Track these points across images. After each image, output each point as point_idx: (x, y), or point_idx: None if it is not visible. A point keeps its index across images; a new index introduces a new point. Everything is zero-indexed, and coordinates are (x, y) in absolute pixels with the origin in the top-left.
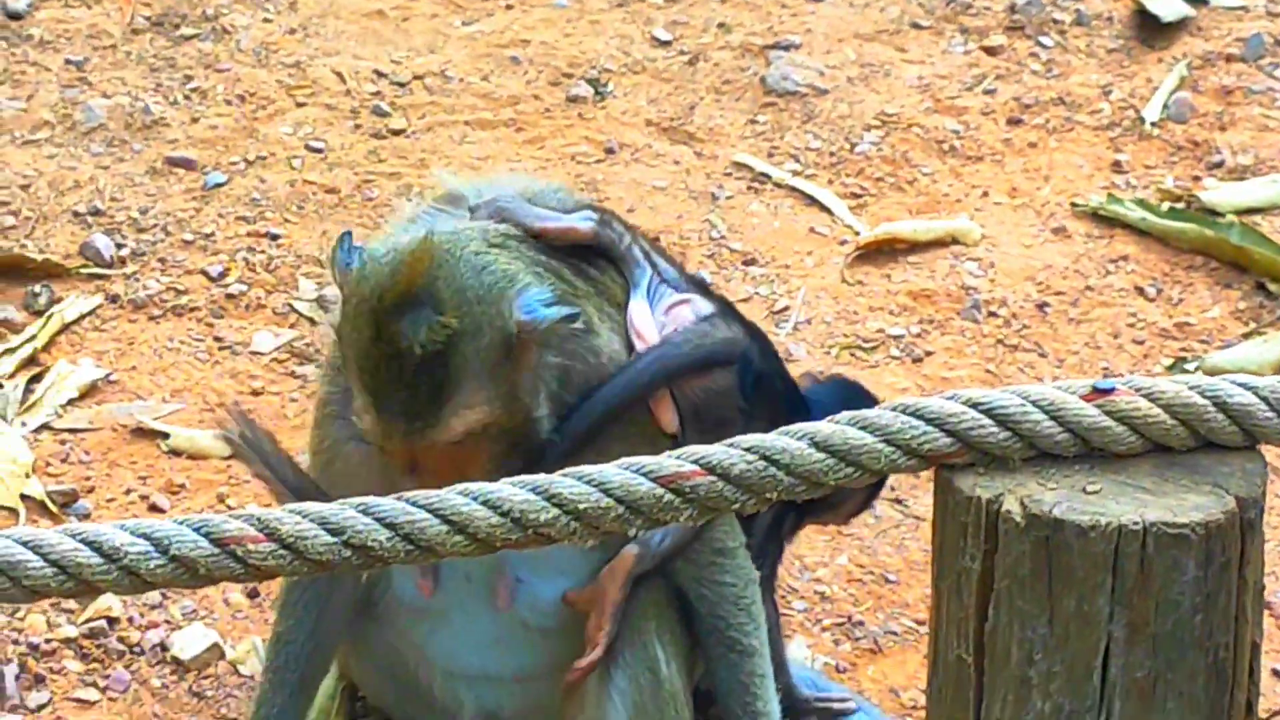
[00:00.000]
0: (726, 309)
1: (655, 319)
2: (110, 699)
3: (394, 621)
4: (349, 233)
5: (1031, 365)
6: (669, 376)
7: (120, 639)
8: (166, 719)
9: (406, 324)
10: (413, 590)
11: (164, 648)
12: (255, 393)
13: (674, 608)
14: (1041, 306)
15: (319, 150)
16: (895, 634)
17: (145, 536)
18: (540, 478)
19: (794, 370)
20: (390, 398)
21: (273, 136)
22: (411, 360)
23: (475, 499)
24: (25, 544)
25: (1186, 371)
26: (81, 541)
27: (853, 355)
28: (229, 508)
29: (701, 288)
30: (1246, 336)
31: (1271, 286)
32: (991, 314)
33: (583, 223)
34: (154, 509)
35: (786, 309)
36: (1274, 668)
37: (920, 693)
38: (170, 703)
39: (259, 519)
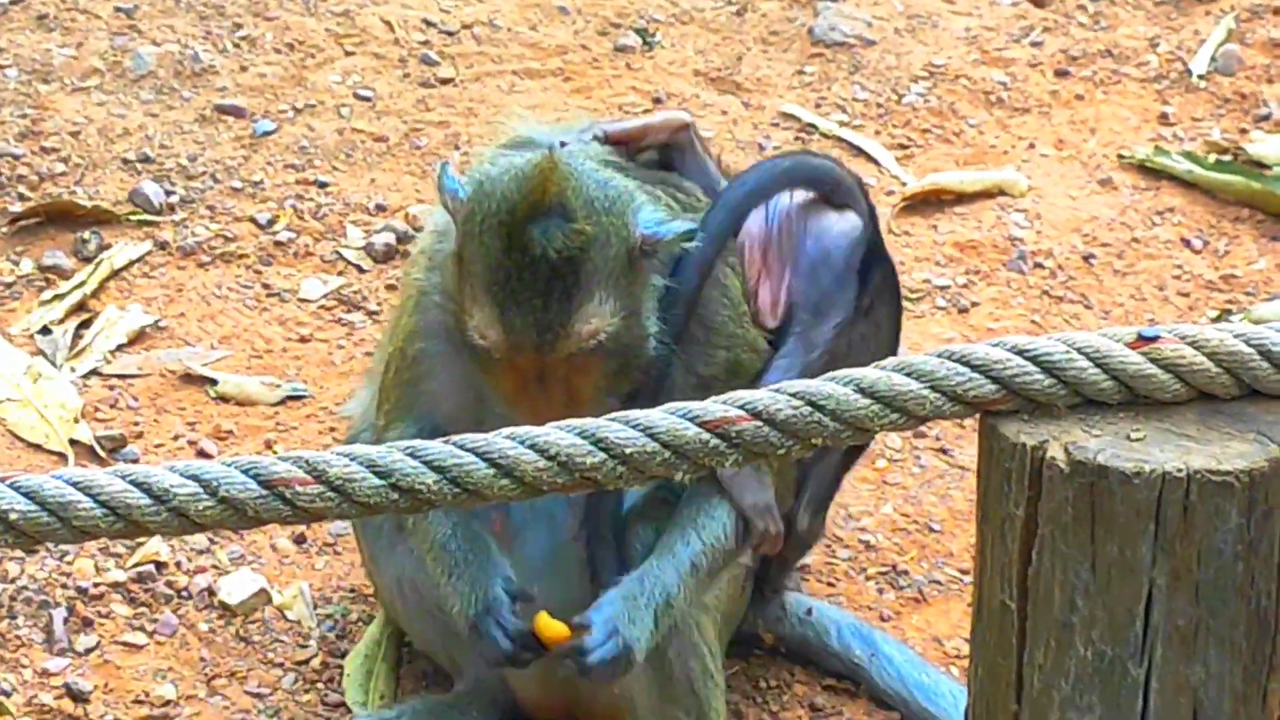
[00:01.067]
0: None
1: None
2: (158, 643)
3: None
4: (447, 163)
5: (1077, 316)
6: (802, 177)
7: (168, 583)
8: (213, 663)
9: (540, 231)
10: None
11: (211, 592)
12: (303, 339)
13: None
14: (1087, 258)
15: (367, 99)
16: (939, 583)
17: (194, 478)
18: (586, 421)
19: None
20: (521, 307)
21: (321, 85)
22: (545, 267)
23: (522, 442)
24: (75, 485)
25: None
26: (131, 483)
27: None
28: (276, 453)
29: None
30: None
31: None
32: (1037, 265)
33: (680, 112)
34: (202, 454)
35: None
36: None
37: (964, 641)
38: (217, 647)
39: (307, 461)
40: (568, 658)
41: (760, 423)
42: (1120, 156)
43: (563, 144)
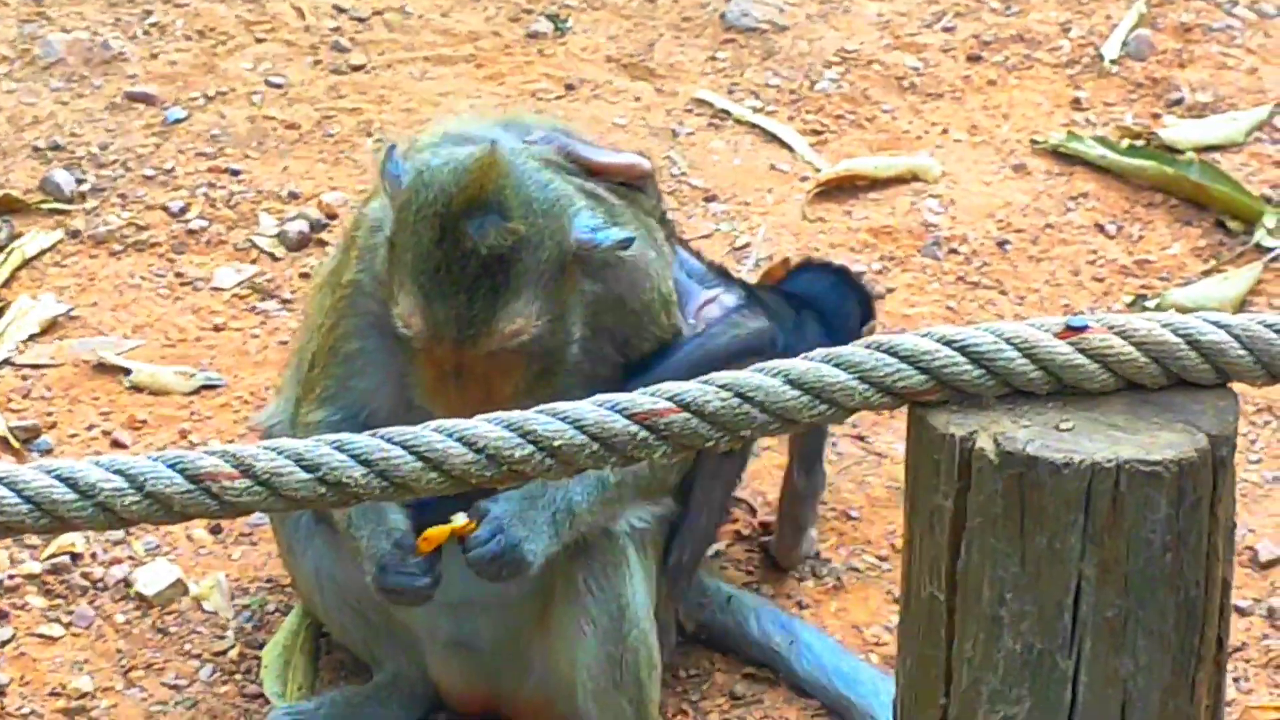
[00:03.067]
0: (749, 296)
1: (685, 319)
2: (74, 634)
3: None
4: (394, 145)
5: (992, 302)
6: (709, 365)
7: (83, 575)
8: (130, 655)
9: (474, 226)
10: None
11: (127, 584)
12: (216, 328)
13: (642, 542)
14: (1002, 244)
15: (279, 86)
16: (858, 570)
17: (120, 473)
18: (515, 414)
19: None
20: (446, 300)
21: (232, 72)
22: (475, 262)
23: (450, 435)
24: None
25: (1146, 309)
26: (56, 478)
27: None
28: (191, 444)
29: (724, 276)
30: (1206, 274)
31: (1230, 224)
32: (952, 251)
33: (642, 160)
34: (116, 445)
35: (747, 245)
36: (1237, 605)
37: (882, 629)
38: (134, 638)
39: (234, 455)
40: (462, 547)
41: (689, 414)
42: (1033, 142)
43: (528, 141)
